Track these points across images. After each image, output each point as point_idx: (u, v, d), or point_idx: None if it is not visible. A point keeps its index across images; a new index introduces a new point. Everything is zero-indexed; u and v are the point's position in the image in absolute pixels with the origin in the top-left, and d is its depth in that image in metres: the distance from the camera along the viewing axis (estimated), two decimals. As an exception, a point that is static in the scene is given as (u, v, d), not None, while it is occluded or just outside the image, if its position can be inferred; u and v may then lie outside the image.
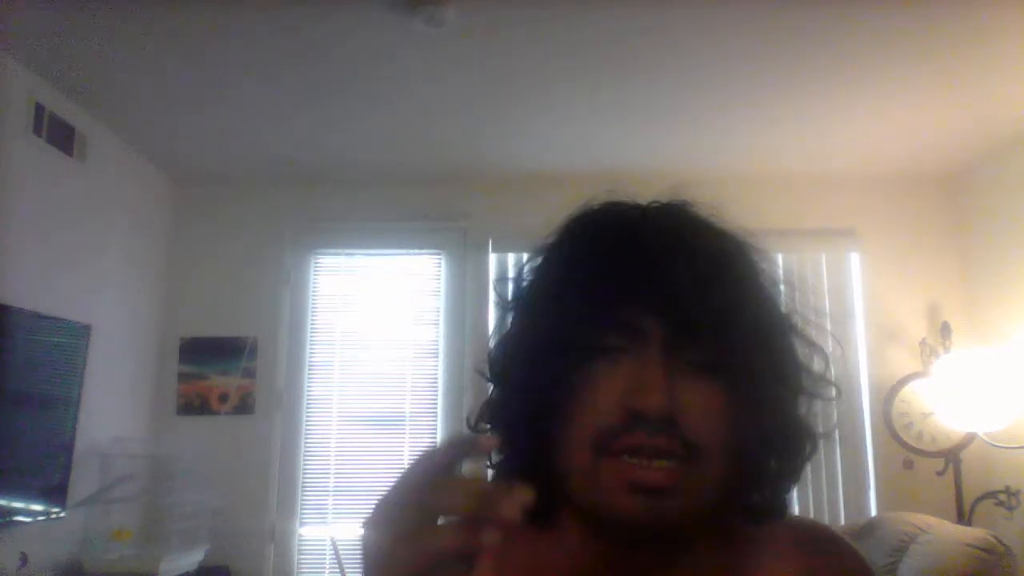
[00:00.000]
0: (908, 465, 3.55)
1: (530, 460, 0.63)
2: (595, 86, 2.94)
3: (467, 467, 0.50)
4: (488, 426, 0.67)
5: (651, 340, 0.59)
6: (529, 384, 0.63)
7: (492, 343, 0.69)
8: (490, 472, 0.69)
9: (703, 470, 0.58)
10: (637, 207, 0.67)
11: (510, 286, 0.69)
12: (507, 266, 3.78)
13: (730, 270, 0.62)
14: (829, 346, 0.70)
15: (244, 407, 3.69)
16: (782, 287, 0.68)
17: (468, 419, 0.68)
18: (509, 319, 0.68)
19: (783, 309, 0.66)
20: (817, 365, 0.66)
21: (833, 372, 0.67)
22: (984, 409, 3.09)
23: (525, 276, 0.68)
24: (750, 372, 0.60)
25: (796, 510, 3.55)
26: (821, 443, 0.65)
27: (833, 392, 0.67)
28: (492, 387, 0.68)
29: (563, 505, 0.64)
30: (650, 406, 0.57)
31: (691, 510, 0.59)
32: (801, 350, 0.66)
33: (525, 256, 0.70)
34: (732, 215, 0.68)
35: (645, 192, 0.71)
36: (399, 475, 0.48)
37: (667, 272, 0.60)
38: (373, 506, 0.48)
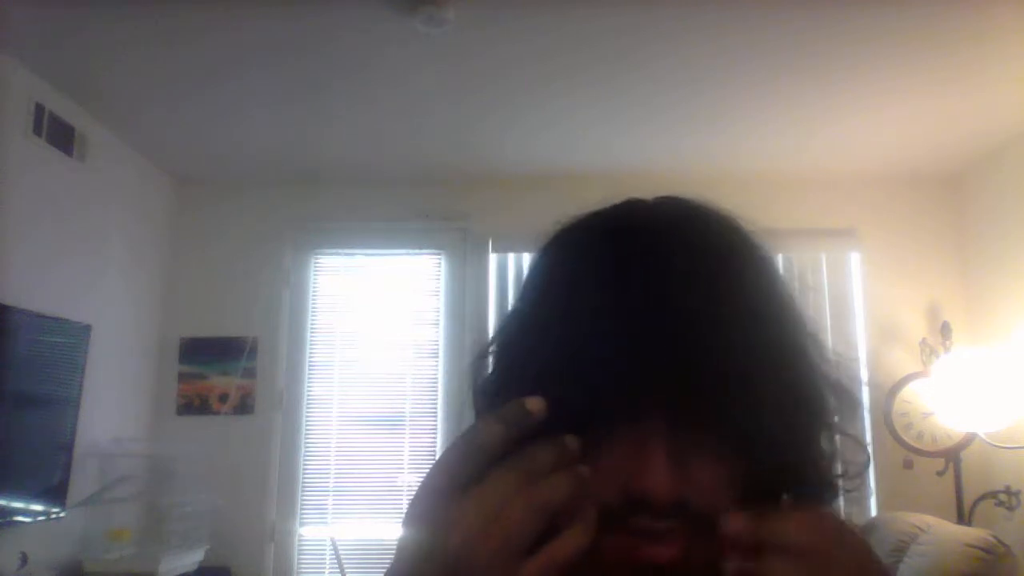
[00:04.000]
0: (908, 465, 3.55)
1: None
2: (595, 86, 2.94)
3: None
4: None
5: (656, 410, 0.51)
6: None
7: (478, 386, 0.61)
8: None
9: (714, 539, 0.51)
10: (636, 232, 0.57)
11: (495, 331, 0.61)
12: (507, 266, 3.78)
13: (747, 323, 0.53)
14: (825, 343, 0.64)
15: (244, 407, 3.69)
16: (807, 318, 0.59)
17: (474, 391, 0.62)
18: (491, 383, 0.60)
19: (809, 348, 0.58)
20: (844, 415, 0.59)
21: (859, 422, 0.62)
22: (984, 409, 3.09)
23: (514, 315, 0.60)
24: (768, 446, 0.52)
25: (796, 510, 3.54)
26: (845, 489, 0.61)
27: (860, 451, 0.61)
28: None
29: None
30: (656, 492, 0.50)
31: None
32: (830, 396, 0.59)
33: (525, 260, 0.64)
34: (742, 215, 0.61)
35: (644, 192, 0.65)
36: (438, 464, 0.46)
37: (675, 329, 0.51)
38: (412, 503, 0.46)
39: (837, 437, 0.59)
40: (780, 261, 0.61)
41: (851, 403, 0.60)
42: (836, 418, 0.59)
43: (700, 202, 0.60)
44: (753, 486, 0.53)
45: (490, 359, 0.61)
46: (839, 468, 0.60)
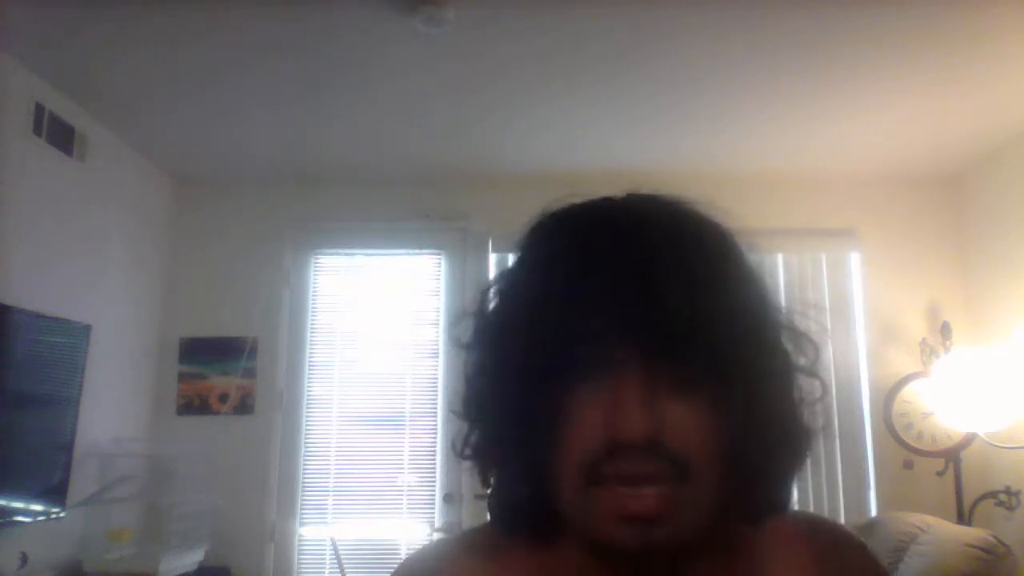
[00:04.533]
0: (908, 465, 3.55)
1: (523, 489, 0.62)
2: (595, 86, 2.94)
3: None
4: (472, 460, 0.65)
5: (629, 361, 0.55)
6: (509, 418, 0.60)
7: (462, 380, 0.65)
8: (485, 503, 0.68)
9: (696, 490, 0.56)
10: (604, 208, 0.62)
11: (472, 320, 0.64)
12: (507, 266, 3.77)
13: (708, 273, 0.57)
14: (826, 343, 0.67)
15: (244, 407, 3.69)
16: (766, 280, 0.63)
17: (453, 445, 0.65)
18: (475, 353, 0.64)
19: (767, 301, 0.62)
20: (807, 359, 0.63)
21: (823, 365, 0.64)
22: (984, 409, 3.09)
23: (491, 300, 0.64)
24: (736, 380, 0.56)
25: (796, 510, 3.55)
26: (818, 438, 0.63)
27: (820, 386, 0.64)
28: (470, 424, 0.64)
29: (562, 527, 0.63)
30: (631, 433, 0.54)
31: (687, 532, 0.57)
32: (791, 344, 0.63)
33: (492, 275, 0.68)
34: (713, 207, 0.64)
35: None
36: None
37: (641, 288, 0.55)
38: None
39: (801, 378, 0.62)
40: (752, 247, 0.64)
41: (811, 347, 0.63)
42: (801, 360, 0.62)
43: (668, 194, 0.64)
44: (728, 427, 0.56)
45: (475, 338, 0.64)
46: (806, 409, 0.63)
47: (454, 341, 0.65)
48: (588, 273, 0.57)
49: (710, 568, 0.64)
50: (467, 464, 0.65)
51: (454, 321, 0.66)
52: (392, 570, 0.70)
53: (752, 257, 0.63)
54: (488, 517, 0.69)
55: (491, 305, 0.64)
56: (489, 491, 0.67)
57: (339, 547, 3.33)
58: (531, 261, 0.62)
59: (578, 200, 0.64)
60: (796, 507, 0.72)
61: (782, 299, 0.64)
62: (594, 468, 0.55)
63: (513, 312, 0.61)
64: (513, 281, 0.63)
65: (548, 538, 0.64)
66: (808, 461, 0.68)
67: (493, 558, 0.67)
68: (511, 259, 0.66)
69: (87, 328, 2.99)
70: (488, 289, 0.65)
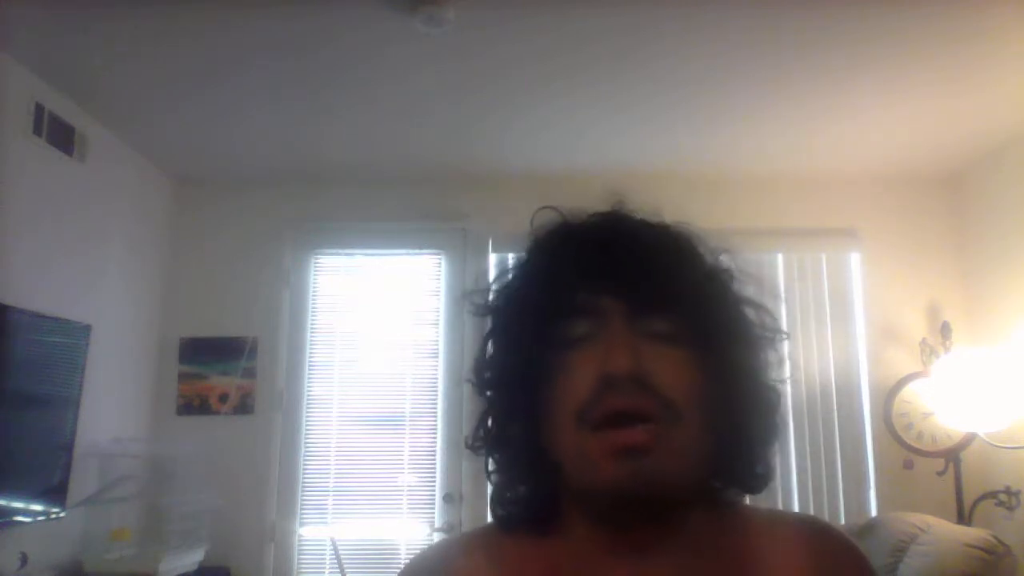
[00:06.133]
0: (908, 465, 3.55)
1: (528, 467, 0.68)
2: (595, 86, 2.94)
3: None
4: (483, 443, 0.72)
5: (614, 319, 0.65)
6: (514, 383, 0.68)
7: (478, 354, 0.74)
8: (489, 485, 0.72)
9: (682, 428, 0.62)
10: (594, 214, 0.73)
11: (487, 295, 0.75)
12: (507, 266, 3.77)
13: (674, 255, 0.69)
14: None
15: (244, 407, 3.69)
16: (736, 275, 0.72)
17: (466, 440, 0.73)
18: (488, 329, 0.73)
19: (734, 287, 0.71)
20: (769, 334, 0.71)
21: (783, 342, 0.72)
22: (984, 409, 3.08)
23: (498, 289, 0.74)
24: (708, 337, 0.65)
25: (796, 510, 3.54)
26: (786, 408, 0.72)
27: (786, 366, 0.74)
28: (482, 394, 0.72)
29: (564, 505, 0.68)
30: (618, 367, 0.62)
31: (675, 469, 0.62)
32: (759, 329, 0.71)
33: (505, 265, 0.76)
34: (688, 214, 0.74)
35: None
36: None
37: (622, 261, 0.66)
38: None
39: (768, 351, 0.71)
40: (714, 247, 0.75)
41: (773, 322, 0.72)
42: (766, 333, 0.71)
43: (627, 209, 0.74)
44: (706, 383, 0.65)
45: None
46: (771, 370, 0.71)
47: (474, 308, 0.75)
48: (575, 252, 0.68)
49: (702, 541, 0.67)
50: (473, 456, 0.72)
51: (471, 292, 0.76)
52: (392, 570, 0.72)
53: (712, 251, 0.73)
54: (490, 515, 0.73)
55: (504, 282, 0.74)
56: (493, 486, 0.71)
57: (339, 547, 3.33)
58: (527, 260, 0.73)
59: (566, 217, 0.74)
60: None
61: (754, 293, 0.73)
62: (588, 409, 0.63)
63: (515, 292, 0.72)
64: (516, 272, 0.74)
65: (548, 530, 0.69)
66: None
67: (496, 555, 0.70)
68: (512, 260, 0.76)
69: (87, 328, 2.99)
70: (500, 276, 0.75)
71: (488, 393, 0.72)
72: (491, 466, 0.71)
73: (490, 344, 0.72)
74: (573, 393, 0.64)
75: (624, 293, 0.65)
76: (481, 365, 0.72)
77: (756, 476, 0.69)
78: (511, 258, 0.75)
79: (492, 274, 3.50)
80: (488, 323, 0.73)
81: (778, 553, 0.68)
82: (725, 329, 0.68)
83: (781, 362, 0.72)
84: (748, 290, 0.72)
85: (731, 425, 0.66)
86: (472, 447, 0.71)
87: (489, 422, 0.71)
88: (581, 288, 0.66)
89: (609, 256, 0.67)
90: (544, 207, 0.74)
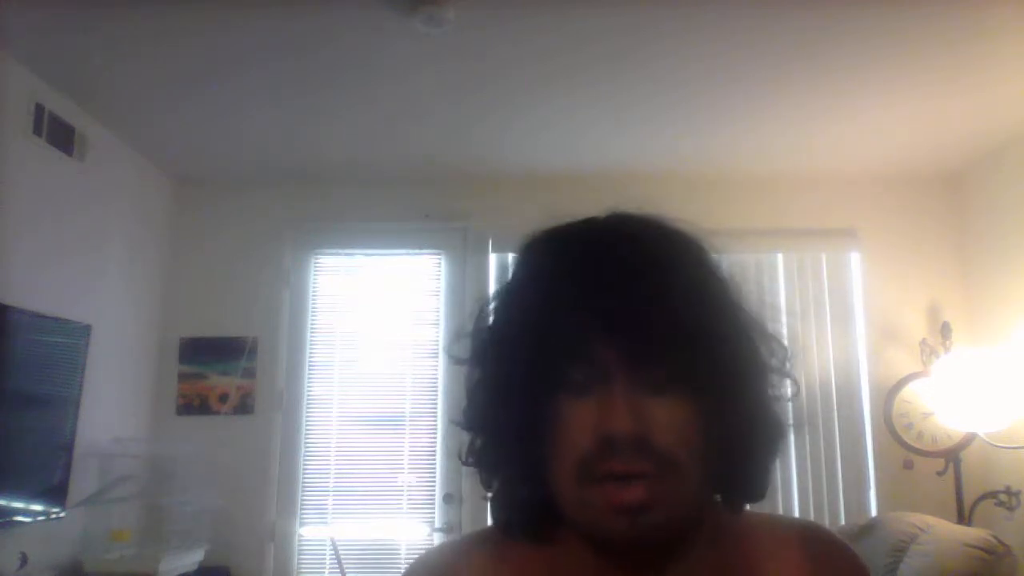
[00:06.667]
0: (908, 465, 3.55)
1: (523, 492, 0.68)
2: (595, 86, 2.94)
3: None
4: (475, 467, 0.70)
5: (614, 368, 0.61)
6: (509, 426, 0.66)
7: (464, 393, 0.70)
8: (487, 504, 0.72)
9: (680, 480, 0.61)
10: (586, 230, 0.68)
11: (470, 336, 0.70)
12: (507, 266, 3.78)
13: (682, 283, 0.63)
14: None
15: (244, 407, 3.69)
16: (739, 287, 0.69)
17: (459, 454, 0.71)
18: (474, 368, 0.69)
19: (738, 307, 0.68)
20: (777, 360, 0.69)
21: (791, 365, 0.70)
22: (984, 409, 3.08)
23: (486, 317, 0.70)
24: (712, 379, 0.62)
25: (797, 510, 3.55)
26: (790, 432, 0.69)
27: (790, 386, 0.71)
28: (471, 434, 0.70)
29: (560, 523, 0.68)
30: (619, 432, 0.59)
31: (675, 518, 0.63)
32: (763, 346, 0.68)
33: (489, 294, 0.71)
34: (688, 214, 0.69)
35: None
36: None
37: (621, 300, 0.61)
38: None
39: (774, 376, 0.68)
40: (723, 256, 0.70)
41: (781, 349, 0.69)
42: (772, 361, 0.68)
43: (646, 211, 0.70)
44: (707, 422, 0.62)
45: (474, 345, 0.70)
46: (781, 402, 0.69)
47: (453, 358, 0.71)
48: (573, 289, 0.63)
49: (701, 558, 0.68)
50: (470, 469, 0.70)
51: (453, 339, 0.72)
52: (392, 570, 0.72)
53: (725, 266, 0.69)
54: (490, 519, 0.73)
55: (487, 322, 0.70)
56: (492, 495, 0.71)
57: (339, 547, 3.33)
58: (522, 281, 0.69)
59: (563, 222, 0.70)
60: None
61: (755, 303, 0.70)
62: (588, 466, 0.61)
63: (506, 328, 0.67)
64: (506, 300, 0.69)
65: (548, 537, 0.69)
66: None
67: (498, 558, 0.70)
68: (509, 269, 0.71)
69: (87, 328, 2.99)
70: (484, 307, 0.70)
71: (478, 433, 0.69)
72: (486, 483, 0.71)
73: (480, 383, 0.69)
74: (571, 448, 0.62)
75: (626, 342, 0.61)
76: (471, 407, 0.69)
77: (757, 488, 0.69)
78: (510, 260, 0.74)
79: (492, 275, 3.48)
80: (478, 361, 0.69)
81: (776, 560, 0.69)
82: (733, 369, 0.64)
83: (788, 385, 0.71)
84: (756, 313, 0.68)
85: (736, 452, 0.65)
86: (465, 462, 0.70)
87: (479, 453, 0.69)
88: (580, 335, 0.61)
89: (611, 296, 0.61)
90: (533, 234, 0.70)
